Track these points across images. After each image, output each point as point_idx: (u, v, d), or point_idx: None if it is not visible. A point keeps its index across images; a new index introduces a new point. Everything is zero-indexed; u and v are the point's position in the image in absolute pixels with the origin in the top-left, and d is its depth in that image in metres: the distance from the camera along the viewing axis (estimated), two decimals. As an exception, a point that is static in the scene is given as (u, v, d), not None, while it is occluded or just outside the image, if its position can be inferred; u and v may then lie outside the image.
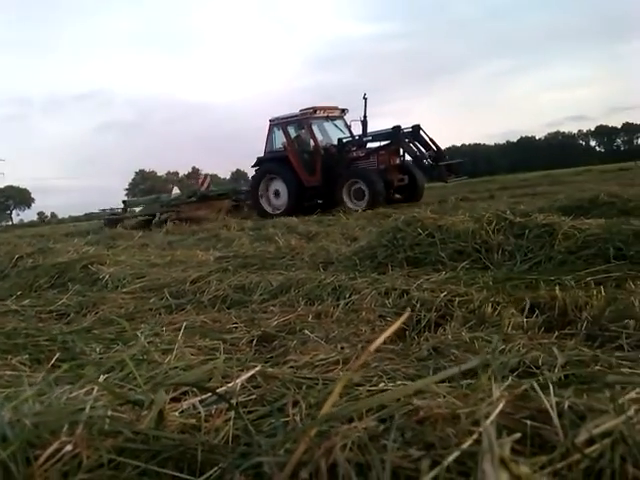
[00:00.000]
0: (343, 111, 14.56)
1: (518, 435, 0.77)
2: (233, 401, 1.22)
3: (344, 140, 13.49)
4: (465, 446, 0.70)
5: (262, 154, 14.55)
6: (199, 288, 3.58)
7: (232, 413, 1.13)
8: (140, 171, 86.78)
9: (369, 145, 13.37)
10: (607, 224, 3.16)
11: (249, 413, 1.24)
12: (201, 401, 1.21)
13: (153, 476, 0.91)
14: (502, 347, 1.81)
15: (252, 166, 14.71)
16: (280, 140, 14.32)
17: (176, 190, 18.29)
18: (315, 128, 13.92)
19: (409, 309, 2.43)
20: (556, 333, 2.06)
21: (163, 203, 15.96)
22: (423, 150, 12.52)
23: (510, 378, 1.15)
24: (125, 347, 2.05)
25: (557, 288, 2.43)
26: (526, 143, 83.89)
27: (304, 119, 13.84)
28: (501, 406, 0.82)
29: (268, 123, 14.51)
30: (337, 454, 0.74)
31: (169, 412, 1.15)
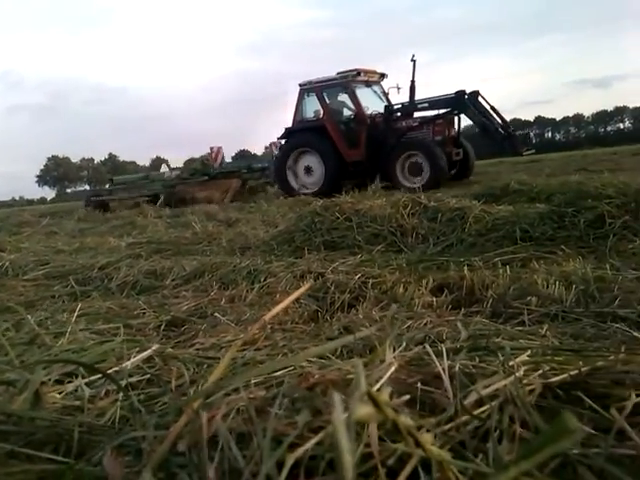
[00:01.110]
0: (382, 76, 12.36)
1: (407, 397, 0.75)
2: (123, 382, 1.14)
3: (392, 108, 11.43)
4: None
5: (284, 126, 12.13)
6: (107, 274, 3.42)
7: (120, 394, 1.06)
8: (53, 157, 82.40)
9: (418, 114, 11.27)
10: (515, 208, 3.28)
11: (142, 394, 1.17)
12: (88, 383, 1.12)
13: (23, 459, 0.82)
14: (409, 323, 1.82)
15: (279, 138, 12.43)
16: (313, 108, 12.12)
17: (164, 168, 16.34)
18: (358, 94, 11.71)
19: (312, 281, 2.42)
20: (463, 310, 2.10)
21: (166, 182, 13.84)
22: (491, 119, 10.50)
23: (408, 348, 1.14)
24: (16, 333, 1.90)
25: (466, 269, 2.48)
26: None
27: (345, 83, 11.56)
28: (392, 370, 0.80)
29: (298, 88, 12.18)
30: (219, 424, 0.69)
31: (51, 393, 1.06)
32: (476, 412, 0.76)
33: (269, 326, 2.06)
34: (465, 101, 10.45)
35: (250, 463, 0.61)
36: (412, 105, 11.11)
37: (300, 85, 12.16)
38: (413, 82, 10.96)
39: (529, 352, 0.94)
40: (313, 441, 0.66)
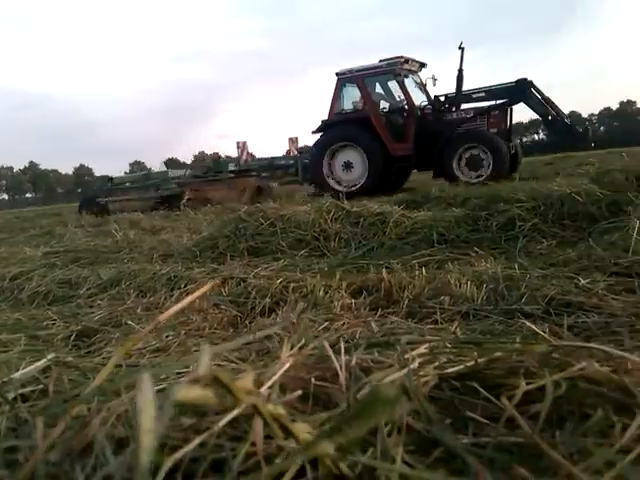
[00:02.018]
0: (422, 65, 11.36)
1: (299, 393, 0.73)
2: (13, 393, 1.06)
3: (441, 98, 10.56)
4: (239, 410, 0.65)
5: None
6: (18, 285, 3.24)
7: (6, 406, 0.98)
8: (-33, 165, 77.61)
9: (466, 106, 10.43)
10: (433, 213, 3.37)
11: (34, 405, 1.09)
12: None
13: None
14: (325, 325, 1.82)
15: (314, 132, 11.11)
16: (352, 99, 11.09)
17: (162, 167, 15.28)
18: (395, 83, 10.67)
19: (216, 280, 2.40)
20: (380, 311, 2.12)
21: (181, 181, 12.66)
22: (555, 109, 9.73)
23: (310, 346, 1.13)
24: None
25: (384, 271, 2.51)
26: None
27: (393, 70, 10.42)
28: (286, 367, 0.78)
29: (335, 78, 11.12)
30: (95, 430, 0.64)
31: None
32: (370, 405, 0.75)
33: (184, 332, 2.01)
34: (528, 90, 9.67)
35: (123, 468, 0.57)
36: (464, 95, 10.28)
37: (338, 74, 11.08)
38: (461, 71, 10.16)
39: (427, 345, 0.94)
40: (195, 442, 0.63)
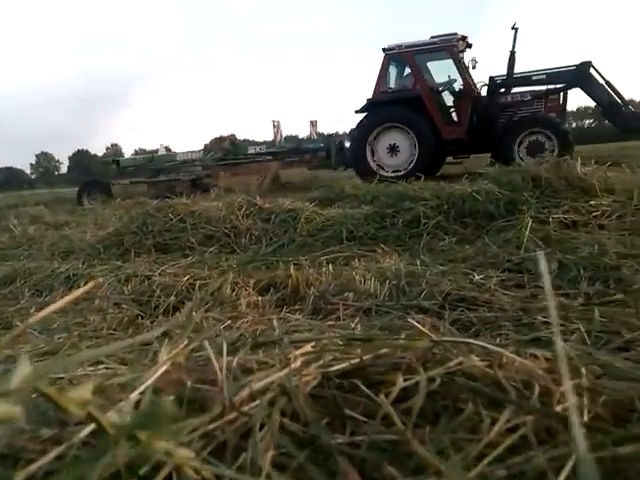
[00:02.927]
0: (469, 46, 10.48)
1: (171, 398, 0.70)
2: None
3: (497, 79, 9.75)
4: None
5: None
6: None
7: None
8: None
9: (517, 90, 9.78)
10: (343, 210, 3.41)
11: None
12: None
13: None
14: (228, 324, 1.79)
15: (357, 111, 10.08)
16: (399, 77, 10.29)
17: (163, 150, 13.52)
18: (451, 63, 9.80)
19: (97, 280, 2.33)
20: (286, 309, 2.12)
21: (204, 163, 11.49)
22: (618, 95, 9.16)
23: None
24: None
25: (292, 268, 2.51)
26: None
27: (449, 48, 9.68)
28: (162, 370, 0.75)
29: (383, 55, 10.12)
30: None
31: None
32: (247, 408, 0.74)
33: (76, 333, 1.91)
34: (589, 74, 9.09)
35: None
36: (523, 77, 9.66)
37: (385, 50, 10.07)
38: (513, 53, 9.50)
39: (313, 343, 0.94)
40: (52, 455, 0.58)
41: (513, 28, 9.38)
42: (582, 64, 9.17)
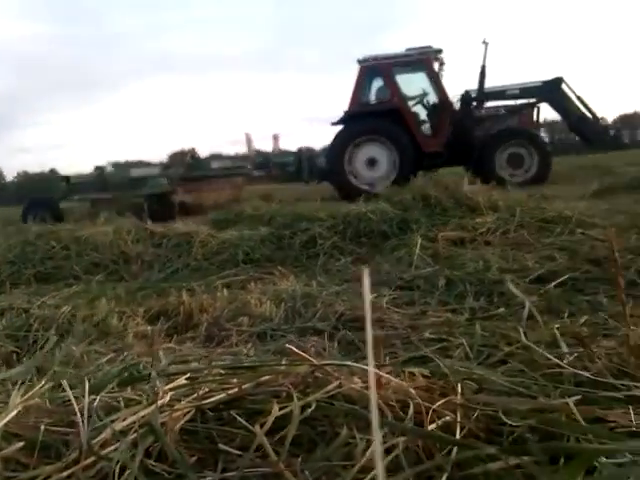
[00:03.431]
0: (442, 63, 10.37)
1: (20, 444, 0.62)
2: None
3: (471, 93, 9.77)
4: None
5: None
6: None
7: None
8: None
9: (491, 104, 9.95)
10: (240, 232, 3.35)
11: None
12: None
13: None
14: (111, 357, 1.67)
15: (334, 123, 9.85)
16: (375, 90, 10.09)
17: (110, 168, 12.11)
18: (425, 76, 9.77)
19: None
20: (178, 337, 2.02)
21: (171, 178, 10.27)
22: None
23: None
24: None
25: (185, 294, 2.42)
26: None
27: (426, 61, 9.65)
28: (14, 413, 0.66)
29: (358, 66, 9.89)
30: None
31: None
32: (108, 449, 0.67)
33: None
34: (562, 89, 9.34)
35: None
36: (498, 92, 9.83)
37: (360, 62, 9.89)
38: (484, 67, 9.62)
39: (188, 375, 0.88)
40: None
41: (483, 43, 9.58)
42: (554, 79, 9.48)
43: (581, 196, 3.26)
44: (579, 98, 9.39)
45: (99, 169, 12.02)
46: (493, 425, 0.78)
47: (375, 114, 9.51)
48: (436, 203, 2.91)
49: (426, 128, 9.78)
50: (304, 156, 11.35)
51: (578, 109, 9.34)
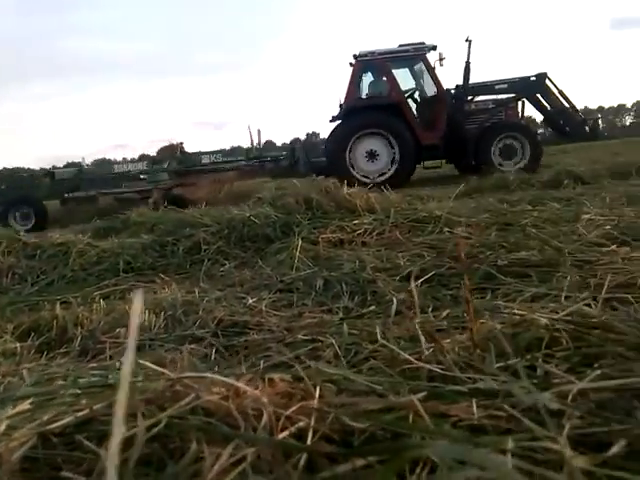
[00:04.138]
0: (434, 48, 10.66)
1: None
2: None
3: (461, 88, 10.19)
4: None
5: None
6: None
7: None
8: None
9: (479, 98, 10.43)
10: (120, 240, 3.23)
11: None
12: None
13: None
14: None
15: (334, 118, 10.03)
16: (372, 84, 10.26)
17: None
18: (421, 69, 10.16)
19: None
20: (49, 354, 1.91)
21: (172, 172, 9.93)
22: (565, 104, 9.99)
23: None
24: None
25: (59, 307, 2.29)
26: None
27: (421, 56, 10.03)
28: None
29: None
30: None
31: None
32: None
33: None
34: (547, 84, 9.98)
35: None
36: (487, 86, 10.35)
37: (356, 57, 10.06)
38: (468, 64, 10.03)
39: (32, 399, 0.84)
40: None
41: (467, 40, 9.97)
42: (539, 74, 10.08)
43: (454, 196, 3.45)
44: (561, 92, 10.06)
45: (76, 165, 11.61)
46: (347, 427, 0.81)
47: (375, 108, 9.78)
48: (317, 206, 2.97)
49: (424, 121, 10.06)
50: (300, 149, 11.28)
51: (561, 103, 10.01)
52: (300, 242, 2.46)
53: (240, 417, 0.80)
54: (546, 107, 10.11)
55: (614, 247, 1.98)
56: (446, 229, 2.49)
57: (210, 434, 0.76)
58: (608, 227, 2.17)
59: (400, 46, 10.43)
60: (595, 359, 0.96)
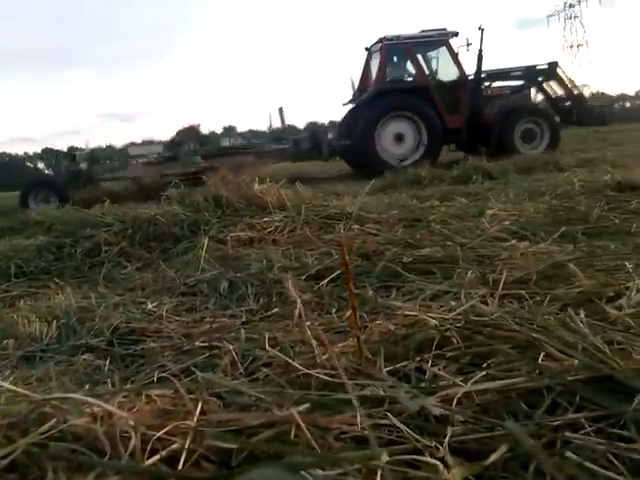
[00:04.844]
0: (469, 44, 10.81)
1: None
2: None
3: (480, 74, 10.47)
4: None
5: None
6: None
7: None
8: None
9: (496, 84, 10.89)
10: (13, 242, 3.00)
11: None
12: None
13: None
14: None
15: (363, 101, 10.18)
16: (399, 68, 10.62)
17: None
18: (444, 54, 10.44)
19: None
20: None
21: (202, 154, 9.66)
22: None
23: None
24: None
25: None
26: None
27: (445, 41, 10.33)
28: None
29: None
30: None
31: None
32: None
33: None
34: (558, 72, 10.62)
35: None
36: (504, 73, 10.87)
37: (384, 40, 10.31)
38: (481, 51, 10.35)
39: None
40: None
41: (479, 29, 10.29)
42: (551, 63, 10.73)
43: (365, 192, 3.45)
44: (571, 80, 10.80)
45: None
46: (226, 447, 0.76)
47: (403, 91, 10.13)
48: (227, 204, 2.88)
49: (448, 105, 10.29)
50: (322, 132, 11.19)
51: (571, 90, 10.71)
52: (207, 241, 2.37)
53: (107, 442, 0.73)
54: (551, 94, 10.86)
55: (514, 242, 2.04)
56: (356, 226, 2.48)
57: (70, 462, 0.69)
58: (507, 223, 2.24)
59: (422, 32, 10.83)
60: (485, 358, 0.96)
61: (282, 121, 10.96)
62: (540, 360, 0.90)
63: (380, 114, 9.88)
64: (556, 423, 0.73)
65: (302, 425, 0.70)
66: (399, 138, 10.05)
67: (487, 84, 10.96)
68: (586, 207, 2.43)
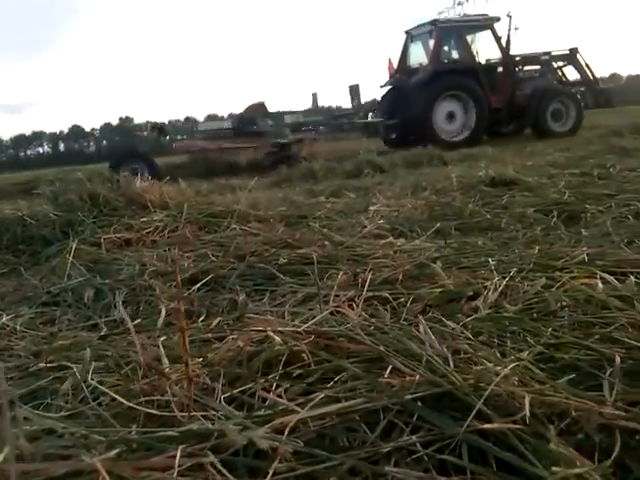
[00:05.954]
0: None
1: None
2: None
3: (513, 57, 11.51)
4: None
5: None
6: None
7: None
8: None
9: (527, 67, 12.01)
10: None
11: None
12: None
13: None
14: None
15: (423, 80, 10.69)
16: (450, 50, 11.49)
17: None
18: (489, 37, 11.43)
19: None
20: None
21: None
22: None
23: None
24: None
25: None
26: None
27: (490, 25, 11.31)
28: None
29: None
30: None
31: None
32: None
33: None
34: (577, 57, 11.62)
35: None
36: (534, 57, 11.75)
37: (437, 23, 11.16)
38: (509, 37, 11.26)
39: None
40: None
41: (508, 15, 11.25)
42: (572, 49, 11.74)
43: (264, 186, 3.37)
44: (587, 65, 11.81)
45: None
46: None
47: (459, 72, 10.91)
48: (105, 202, 2.69)
49: (492, 86, 11.10)
50: (363, 109, 11.88)
51: (587, 74, 11.78)
52: (77, 245, 2.20)
53: None
54: (568, 79, 12.03)
55: (391, 239, 2.05)
56: (237, 226, 2.39)
57: None
58: (381, 221, 2.24)
59: (464, 16, 12.02)
60: (334, 374, 0.92)
61: (358, 98, 11.37)
62: (386, 375, 0.88)
63: (437, 93, 10.66)
64: (386, 449, 0.70)
65: (106, 476, 0.62)
66: (451, 116, 10.90)
67: (520, 67, 11.91)
68: (461, 203, 2.50)
